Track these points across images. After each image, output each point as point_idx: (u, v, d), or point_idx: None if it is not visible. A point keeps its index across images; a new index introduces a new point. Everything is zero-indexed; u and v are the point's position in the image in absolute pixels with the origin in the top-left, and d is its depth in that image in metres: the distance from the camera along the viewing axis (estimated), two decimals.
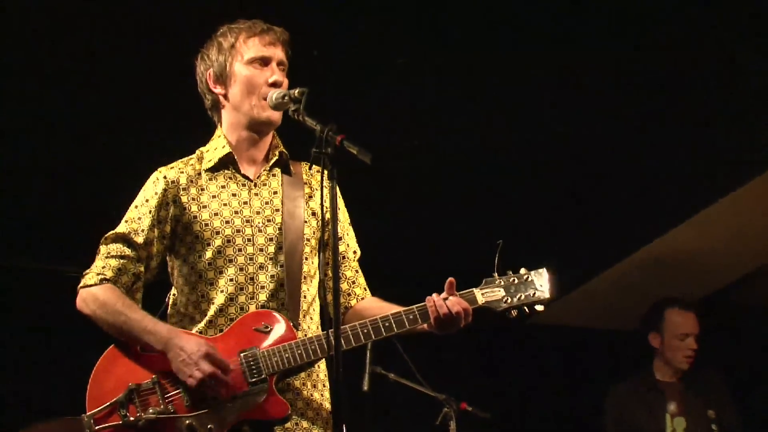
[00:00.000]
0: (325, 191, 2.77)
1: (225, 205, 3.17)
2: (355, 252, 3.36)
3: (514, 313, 3.11)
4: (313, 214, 3.21)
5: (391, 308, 3.13)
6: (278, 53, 3.22)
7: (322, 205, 2.91)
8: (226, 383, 2.94)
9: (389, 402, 5.39)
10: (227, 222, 3.14)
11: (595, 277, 6.84)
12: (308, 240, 3.18)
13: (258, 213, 3.18)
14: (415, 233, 6.21)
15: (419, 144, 5.37)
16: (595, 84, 4.95)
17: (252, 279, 3.10)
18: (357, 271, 3.35)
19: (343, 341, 2.93)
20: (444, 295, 3.04)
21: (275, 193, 3.22)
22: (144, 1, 4.25)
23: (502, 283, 3.11)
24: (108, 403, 2.96)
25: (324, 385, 3.15)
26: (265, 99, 3.14)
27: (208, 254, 3.11)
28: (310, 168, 3.27)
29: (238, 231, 3.13)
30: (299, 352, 2.99)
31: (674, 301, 5.43)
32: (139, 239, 3.14)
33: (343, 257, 3.31)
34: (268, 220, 3.17)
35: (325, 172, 2.75)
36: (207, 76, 3.25)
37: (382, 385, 4.92)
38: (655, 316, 5.41)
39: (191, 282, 3.13)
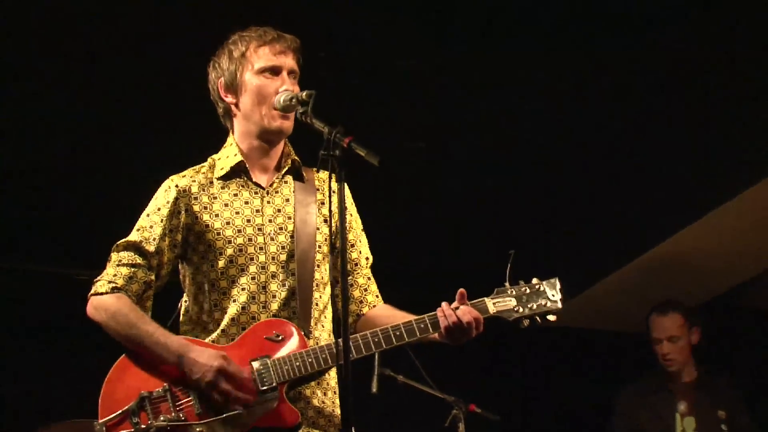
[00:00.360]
0: (334, 196, 2.76)
1: (237, 213, 3.16)
2: (367, 258, 3.36)
3: (526, 322, 3.11)
4: (325, 220, 3.20)
5: (402, 316, 3.14)
6: (289, 62, 3.19)
7: (330, 208, 2.90)
8: (237, 396, 2.95)
9: (398, 404, 5.38)
10: (239, 231, 3.13)
11: (600, 281, 6.84)
12: (320, 247, 3.18)
13: (270, 221, 3.17)
14: (415, 233, 6.19)
15: (424, 146, 5.38)
16: (600, 87, 4.94)
17: (264, 288, 3.10)
18: (369, 278, 3.35)
19: (353, 350, 2.95)
20: (455, 304, 3.04)
21: (287, 200, 3.21)
22: (151, 1, 4.25)
23: (514, 292, 3.11)
24: (120, 411, 2.97)
25: (335, 392, 3.14)
26: (276, 109, 3.13)
27: (221, 263, 3.11)
28: (318, 171, 3.26)
29: (250, 240, 3.13)
30: (310, 360, 2.99)
31: (655, 307, 5.47)
32: (151, 248, 3.13)
33: (356, 264, 3.31)
34: (280, 228, 3.16)
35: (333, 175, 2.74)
36: (218, 85, 3.24)
37: (391, 387, 4.93)
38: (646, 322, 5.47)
39: (204, 291, 3.13)
